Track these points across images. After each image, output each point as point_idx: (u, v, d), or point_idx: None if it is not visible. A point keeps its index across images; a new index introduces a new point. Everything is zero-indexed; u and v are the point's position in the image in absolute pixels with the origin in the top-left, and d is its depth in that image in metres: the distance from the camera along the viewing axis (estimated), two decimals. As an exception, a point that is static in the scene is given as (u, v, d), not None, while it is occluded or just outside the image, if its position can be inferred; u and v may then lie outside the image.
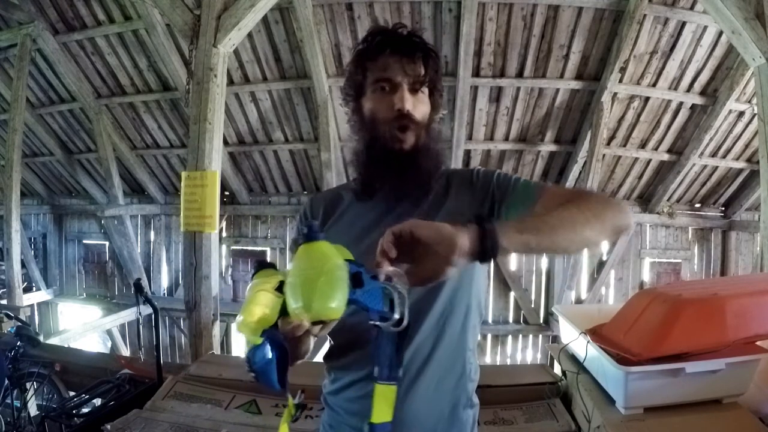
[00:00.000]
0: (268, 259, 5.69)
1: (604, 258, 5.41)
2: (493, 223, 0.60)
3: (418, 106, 0.83)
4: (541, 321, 5.45)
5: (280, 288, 0.58)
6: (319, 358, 0.95)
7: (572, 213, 0.67)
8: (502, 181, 0.85)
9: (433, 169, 0.86)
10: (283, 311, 0.57)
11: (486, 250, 0.58)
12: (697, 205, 5.40)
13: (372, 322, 0.59)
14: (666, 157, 4.79)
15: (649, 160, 4.88)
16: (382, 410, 0.67)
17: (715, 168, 4.94)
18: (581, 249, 0.71)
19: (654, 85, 4.22)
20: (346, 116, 0.93)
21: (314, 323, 0.56)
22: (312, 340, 0.79)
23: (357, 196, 0.89)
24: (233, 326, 5.96)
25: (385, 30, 0.84)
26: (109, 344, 6.03)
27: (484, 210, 0.83)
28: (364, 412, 0.79)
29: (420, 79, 0.81)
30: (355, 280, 0.57)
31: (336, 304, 0.54)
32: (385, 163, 0.81)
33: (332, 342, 0.87)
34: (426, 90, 0.84)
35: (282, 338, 0.59)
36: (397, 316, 0.57)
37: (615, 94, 4.19)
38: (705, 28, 3.76)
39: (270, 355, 0.58)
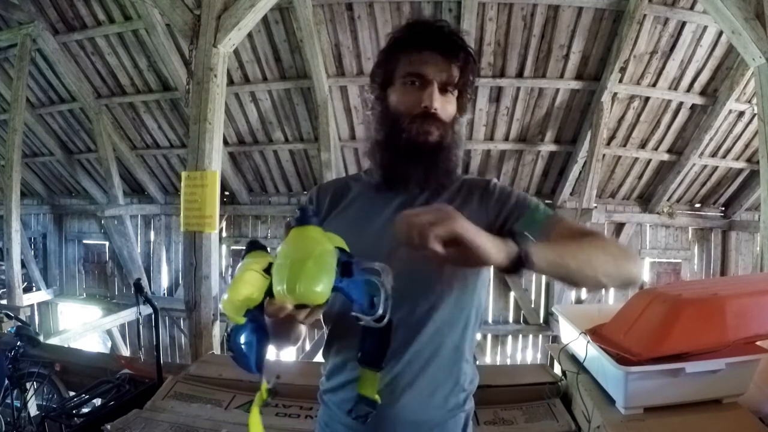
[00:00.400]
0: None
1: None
2: (530, 247, 0.62)
3: (446, 106, 0.81)
4: (541, 321, 5.45)
5: (269, 270, 0.57)
6: (319, 357, 0.95)
7: (596, 251, 0.70)
8: (521, 201, 0.84)
9: (453, 167, 0.85)
10: (270, 293, 0.56)
11: (516, 269, 0.62)
12: (697, 205, 5.40)
13: (353, 314, 0.58)
14: (666, 157, 4.79)
15: (649, 160, 4.88)
16: (367, 389, 0.69)
17: (715, 168, 4.94)
18: (592, 287, 0.72)
19: (654, 85, 4.22)
20: (350, 111, 0.93)
21: (298, 307, 0.56)
22: (302, 329, 0.79)
23: (373, 186, 0.88)
24: (233, 325, 5.95)
25: (427, 23, 0.81)
26: (109, 344, 6.03)
27: (497, 222, 0.82)
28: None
29: (453, 81, 0.80)
30: (345, 269, 0.57)
31: (321, 289, 0.53)
32: (407, 155, 0.80)
33: (328, 340, 0.88)
34: (456, 92, 0.83)
35: (264, 321, 0.58)
36: (380, 312, 0.57)
37: (615, 94, 4.19)
38: (705, 28, 3.76)
39: (251, 337, 0.57)
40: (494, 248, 0.60)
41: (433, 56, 0.78)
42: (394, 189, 0.84)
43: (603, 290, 0.78)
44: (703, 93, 4.25)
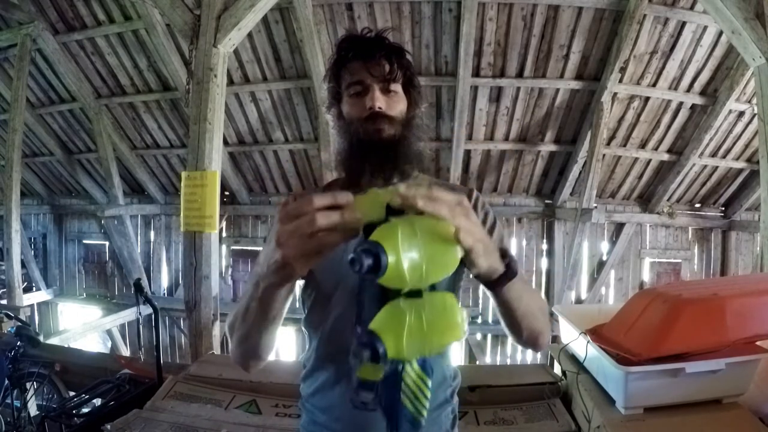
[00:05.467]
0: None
1: (604, 258, 5.41)
2: (515, 263, 0.65)
3: (392, 104, 0.85)
4: (541, 321, 5.44)
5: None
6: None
7: (540, 308, 0.77)
8: (490, 228, 0.85)
9: (414, 159, 0.87)
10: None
11: (497, 281, 0.64)
12: (697, 205, 5.40)
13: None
14: (666, 157, 4.79)
15: (649, 160, 4.88)
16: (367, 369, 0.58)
17: (715, 168, 4.94)
18: (519, 335, 0.76)
19: (654, 85, 4.22)
20: (330, 122, 0.95)
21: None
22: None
23: (346, 189, 0.89)
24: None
25: (350, 36, 0.87)
26: (109, 344, 6.03)
27: None
28: (347, 418, 0.79)
29: (387, 77, 0.83)
30: None
31: None
32: (365, 153, 0.83)
33: (315, 339, 0.86)
34: (399, 88, 0.86)
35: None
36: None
37: (615, 94, 4.19)
38: (705, 28, 3.76)
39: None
40: (493, 254, 0.60)
41: (362, 62, 0.83)
42: (362, 189, 0.85)
43: (516, 340, 0.80)
44: (703, 93, 4.24)
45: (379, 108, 0.82)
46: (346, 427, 0.80)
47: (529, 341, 0.76)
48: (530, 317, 0.73)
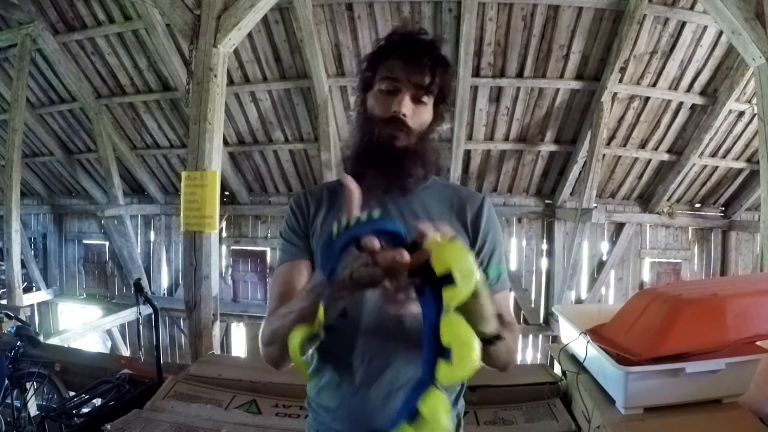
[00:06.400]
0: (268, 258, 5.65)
1: (604, 258, 5.41)
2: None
3: (418, 114, 0.83)
4: (541, 321, 5.45)
5: None
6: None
7: (508, 346, 0.76)
8: (494, 246, 0.87)
9: (421, 173, 0.86)
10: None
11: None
12: (697, 205, 5.40)
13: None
14: (666, 157, 4.79)
15: (649, 160, 4.88)
16: None
17: (715, 168, 4.94)
18: (494, 364, 0.77)
19: (654, 85, 4.21)
20: (349, 111, 0.94)
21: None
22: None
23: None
24: (233, 326, 5.97)
25: (403, 33, 0.84)
26: (109, 344, 6.03)
27: (474, 249, 0.85)
28: (352, 417, 0.79)
29: (423, 87, 0.81)
30: None
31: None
32: (372, 158, 0.82)
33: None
34: (430, 100, 0.84)
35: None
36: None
37: (615, 94, 4.19)
38: (705, 28, 3.76)
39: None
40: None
41: (404, 64, 0.81)
42: (365, 191, 0.85)
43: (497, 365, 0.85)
44: (703, 93, 4.24)
45: (404, 115, 0.80)
46: (350, 427, 0.80)
47: (498, 368, 0.79)
48: (504, 356, 0.75)
